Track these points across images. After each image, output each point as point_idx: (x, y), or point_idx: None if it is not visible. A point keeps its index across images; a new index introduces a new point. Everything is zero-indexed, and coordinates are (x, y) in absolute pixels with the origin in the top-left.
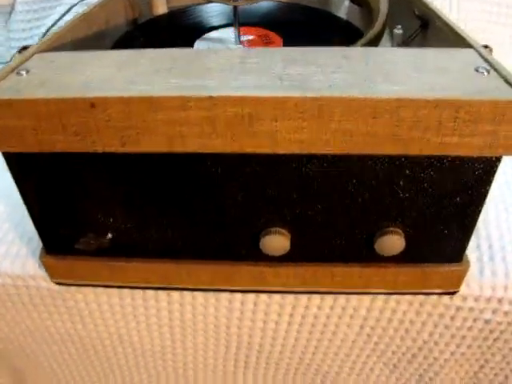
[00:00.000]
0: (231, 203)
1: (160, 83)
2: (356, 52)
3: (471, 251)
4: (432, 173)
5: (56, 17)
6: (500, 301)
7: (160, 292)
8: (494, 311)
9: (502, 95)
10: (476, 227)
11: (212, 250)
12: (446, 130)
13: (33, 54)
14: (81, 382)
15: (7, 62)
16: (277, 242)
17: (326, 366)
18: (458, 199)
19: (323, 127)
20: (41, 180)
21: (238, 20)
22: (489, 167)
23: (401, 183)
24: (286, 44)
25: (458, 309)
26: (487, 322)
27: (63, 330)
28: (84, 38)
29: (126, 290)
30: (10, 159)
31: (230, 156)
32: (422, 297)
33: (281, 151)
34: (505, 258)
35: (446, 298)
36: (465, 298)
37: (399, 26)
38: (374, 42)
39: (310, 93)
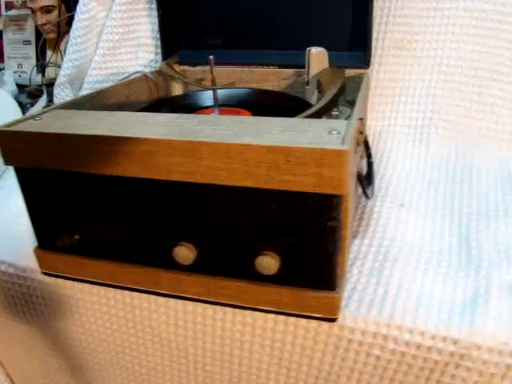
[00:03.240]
0: (149, 218)
1: (103, 128)
2: (259, 120)
3: (367, 294)
4: (283, 205)
5: None
6: (385, 338)
7: (109, 288)
8: (382, 348)
9: (322, 146)
10: (381, 276)
11: (143, 257)
12: (282, 169)
13: (51, 110)
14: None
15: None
16: (182, 252)
17: (244, 380)
18: (310, 230)
19: (198, 163)
20: (35, 190)
21: (217, 100)
22: (327, 203)
23: (260, 213)
24: None
25: (350, 341)
26: (378, 358)
27: (43, 318)
28: (100, 105)
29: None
30: (16, 171)
31: (143, 182)
32: (315, 325)
33: (173, 178)
34: (394, 304)
35: (336, 329)
36: (352, 331)
37: (340, 108)
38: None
39: (190, 138)
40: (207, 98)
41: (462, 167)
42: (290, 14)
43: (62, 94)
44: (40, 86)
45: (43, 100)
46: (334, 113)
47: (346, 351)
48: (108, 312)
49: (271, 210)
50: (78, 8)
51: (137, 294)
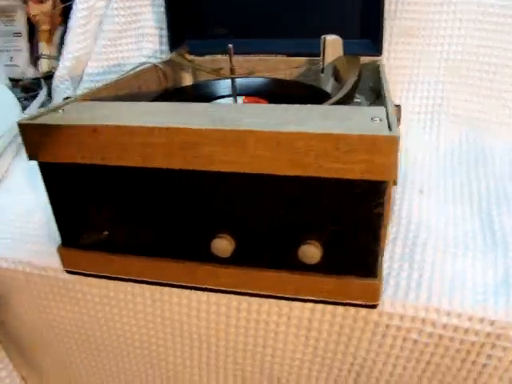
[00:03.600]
0: (187, 211)
1: (138, 119)
2: (296, 108)
3: (402, 279)
4: (329, 193)
5: None
6: (423, 321)
7: (138, 286)
8: (419, 332)
9: (374, 133)
10: (413, 261)
11: (177, 251)
12: (331, 157)
13: (70, 102)
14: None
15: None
16: (221, 244)
17: (276, 371)
18: (356, 218)
19: (243, 152)
20: (60, 185)
21: (235, 90)
22: (374, 190)
23: (306, 201)
24: None
25: (387, 326)
26: (415, 342)
27: (66, 318)
28: (115, 97)
29: (110, 283)
30: (40, 166)
31: (182, 173)
32: (353, 311)
33: (216, 169)
34: (430, 286)
35: (375, 315)
36: (391, 317)
37: (358, 96)
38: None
39: (235, 127)
40: (221, 87)
41: (476, 152)
42: (298, 2)
43: (61, 87)
44: (34, 79)
45: (43, 93)
46: (356, 100)
47: (384, 337)
48: (134, 309)
49: (317, 199)
50: None
51: (167, 289)
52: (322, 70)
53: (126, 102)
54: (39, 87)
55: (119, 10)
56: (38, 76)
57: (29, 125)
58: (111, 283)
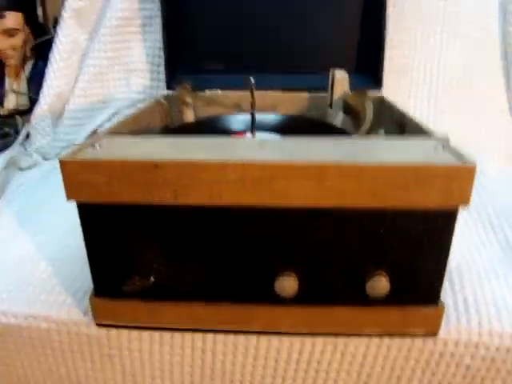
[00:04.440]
0: (252, 251)
1: (205, 152)
2: (343, 139)
3: (449, 304)
4: (404, 223)
5: (103, 117)
6: (476, 346)
7: (187, 336)
8: (473, 356)
9: (451, 163)
10: (454, 284)
11: (235, 294)
12: (412, 187)
13: (103, 138)
14: None
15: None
16: (287, 283)
17: None
18: (427, 247)
19: (321, 185)
20: (101, 227)
21: (254, 125)
22: (448, 217)
23: (382, 234)
24: None
25: (441, 354)
26: (468, 367)
27: (94, 375)
28: (132, 132)
29: (156, 335)
30: (82, 207)
31: (252, 209)
32: (409, 342)
33: (290, 204)
34: (478, 310)
35: (430, 344)
36: (446, 343)
37: (382, 129)
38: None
39: (312, 160)
40: (234, 122)
41: None
42: (295, 39)
43: (42, 125)
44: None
45: (24, 132)
46: (380, 131)
47: (437, 365)
48: (171, 361)
49: (392, 230)
50: (58, 31)
51: (211, 335)
52: (331, 105)
53: (170, 137)
54: (3, 125)
55: (107, 44)
56: (1, 114)
57: (75, 162)
58: (156, 334)
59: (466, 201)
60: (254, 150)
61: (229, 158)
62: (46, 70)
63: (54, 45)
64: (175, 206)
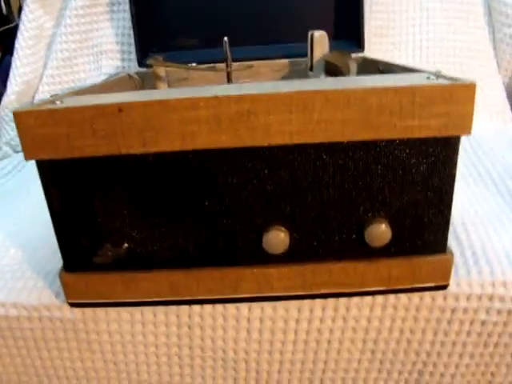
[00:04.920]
0: (234, 202)
1: (175, 93)
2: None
3: (457, 257)
4: (402, 157)
5: None
6: (491, 298)
7: (171, 312)
8: (488, 310)
9: (448, 82)
10: (460, 238)
11: (218, 256)
12: (407, 113)
13: (64, 96)
14: None
15: None
16: (277, 238)
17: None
18: (429, 183)
19: (308, 118)
20: (65, 188)
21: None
22: (450, 148)
23: (378, 171)
24: None
25: (453, 310)
26: (483, 323)
27: (72, 365)
28: None
29: (138, 314)
30: (42, 166)
31: (231, 152)
32: (417, 300)
33: (274, 143)
34: (488, 260)
35: (440, 300)
36: (457, 298)
37: None
38: None
39: (300, 88)
40: None
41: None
42: (270, 7)
43: (10, 116)
44: None
45: None
46: None
47: (449, 323)
48: (155, 342)
49: (388, 165)
50: (23, 16)
51: (197, 309)
52: (311, 68)
53: (140, 91)
54: None
55: (73, 26)
56: None
57: (28, 112)
58: (136, 311)
59: (467, 127)
60: (229, 88)
61: (201, 94)
62: (12, 58)
63: (18, 32)
64: (145, 155)
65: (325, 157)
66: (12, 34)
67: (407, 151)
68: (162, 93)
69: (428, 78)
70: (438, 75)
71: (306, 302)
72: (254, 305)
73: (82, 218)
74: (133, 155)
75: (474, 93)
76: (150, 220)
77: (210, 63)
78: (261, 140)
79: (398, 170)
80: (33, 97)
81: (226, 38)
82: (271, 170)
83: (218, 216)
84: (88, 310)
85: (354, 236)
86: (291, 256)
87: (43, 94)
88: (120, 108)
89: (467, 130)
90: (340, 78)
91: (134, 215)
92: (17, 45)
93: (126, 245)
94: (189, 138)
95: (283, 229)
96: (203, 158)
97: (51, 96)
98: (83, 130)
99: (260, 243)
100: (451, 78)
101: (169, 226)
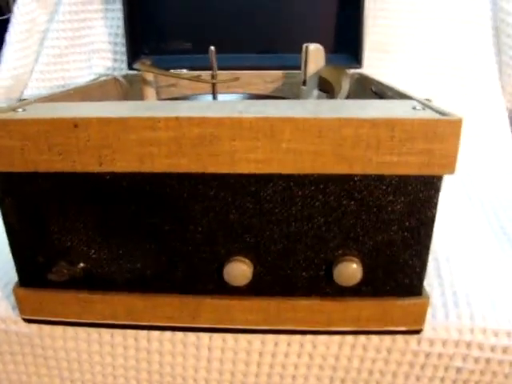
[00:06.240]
0: (196, 229)
1: (135, 112)
2: (305, 101)
3: (436, 298)
4: (378, 194)
5: None
6: (468, 345)
7: (129, 335)
8: (464, 357)
9: (432, 117)
10: (442, 277)
11: (178, 283)
12: (384, 148)
13: (29, 103)
14: None
15: None
16: (239, 269)
17: None
18: (406, 223)
19: (276, 146)
20: (20, 201)
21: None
22: (430, 188)
23: (351, 206)
24: None
25: (428, 355)
26: (459, 370)
27: (28, 380)
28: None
29: (95, 334)
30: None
31: (192, 177)
32: (389, 342)
33: (239, 171)
34: (469, 304)
35: (413, 343)
36: (432, 343)
37: None
38: None
39: (268, 115)
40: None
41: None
42: (269, 15)
43: None
44: None
45: None
46: None
47: (423, 368)
48: (112, 363)
49: (362, 203)
50: (15, 9)
51: (157, 334)
52: (304, 82)
53: (108, 101)
54: None
55: (66, 23)
56: None
57: None
58: (93, 331)
59: (451, 166)
60: (194, 108)
61: (162, 114)
62: (2, 52)
63: (10, 24)
64: (101, 174)
65: (293, 188)
66: (4, 25)
67: (383, 188)
68: (120, 108)
69: (414, 108)
70: (425, 105)
71: (271, 335)
72: (216, 334)
73: (37, 233)
74: (89, 173)
75: (460, 129)
76: (108, 241)
77: (202, 69)
78: (224, 167)
79: (373, 208)
80: (22, 92)
81: (212, 48)
82: (235, 199)
83: (178, 242)
84: (45, 326)
85: (322, 273)
86: (254, 289)
87: (32, 89)
88: (75, 124)
89: (451, 169)
90: (314, 103)
91: (91, 234)
92: (8, 38)
93: (82, 264)
94: (147, 160)
95: (246, 261)
96: (162, 182)
97: (19, 101)
98: (38, 145)
99: (221, 273)
100: (439, 111)
101: (127, 248)
